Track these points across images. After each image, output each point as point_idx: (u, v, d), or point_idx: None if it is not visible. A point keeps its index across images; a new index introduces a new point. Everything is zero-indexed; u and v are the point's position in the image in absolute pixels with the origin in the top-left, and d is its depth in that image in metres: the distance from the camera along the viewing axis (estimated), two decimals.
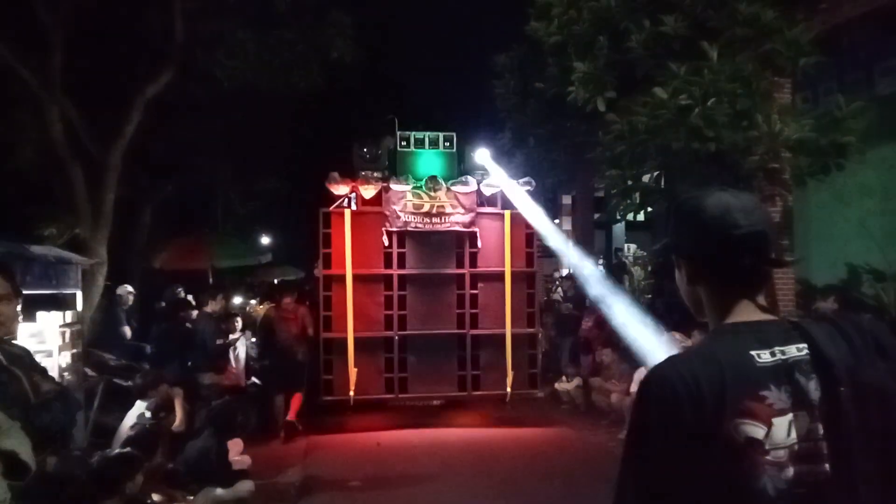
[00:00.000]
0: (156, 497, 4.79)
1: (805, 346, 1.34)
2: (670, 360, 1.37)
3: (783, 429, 1.29)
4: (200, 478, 5.31)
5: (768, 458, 1.27)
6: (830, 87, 8.96)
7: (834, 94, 7.69)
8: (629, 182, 8.22)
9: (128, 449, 4.47)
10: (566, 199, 16.77)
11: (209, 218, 16.75)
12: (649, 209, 9.16)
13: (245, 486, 5.57)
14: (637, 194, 8.34)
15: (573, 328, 10.51)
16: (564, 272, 15.10)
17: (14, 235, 6.11)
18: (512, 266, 8.87)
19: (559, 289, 12.14)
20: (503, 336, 8.80)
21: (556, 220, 17.66)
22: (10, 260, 4.47)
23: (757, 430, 1.27)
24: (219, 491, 5.32)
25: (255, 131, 13.75)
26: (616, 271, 14.78)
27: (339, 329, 8.49)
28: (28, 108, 9.50)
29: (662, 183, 9.15)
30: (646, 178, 8.70)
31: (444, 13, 15.89)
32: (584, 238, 13.81)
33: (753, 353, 1.33)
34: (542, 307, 12.60)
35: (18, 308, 2.70)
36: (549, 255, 14.44)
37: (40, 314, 5.60)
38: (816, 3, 7.95)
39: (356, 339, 8.50)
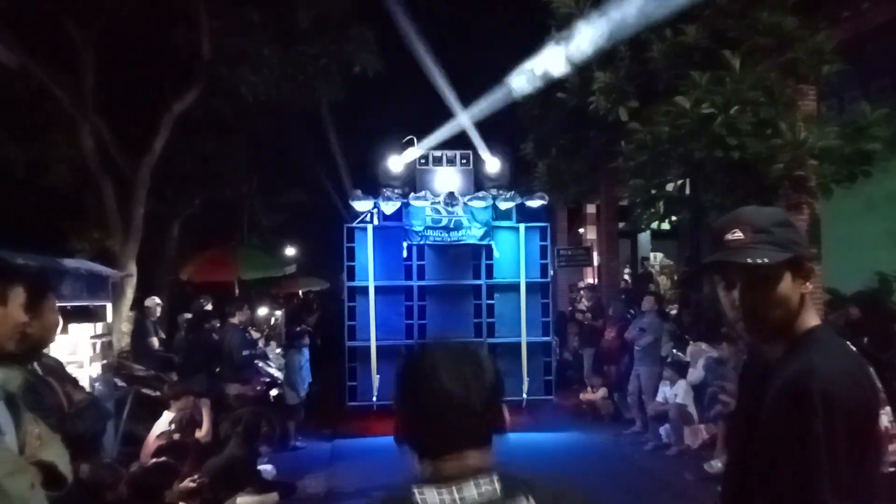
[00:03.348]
0: None
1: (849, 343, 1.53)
2: (839, 365, 1.45)
3: (891, 414, 1.47)
4: (226, 486, 5.38)
5: (893, 442, 1.46)
6: (856, 95, 8.83)
7: (859, 102, 7.58)
8: (652, 191, 8.19)
9: (164, 458, 4.56)
10: (590, 209, 16.70)
11: (235, 230, 17.00)
12: (674, 218, 9.09)
13: (270, 496, 5.64)
14: (661, 203, 8.31)
15: (596, 338, 10.47)
16: (587, 282, 15.04)
17: (48, 249, 6.28)
18: (527, 277, 9.09)
19: (583, 299, 12.09)
20: (519, 344, 8.96)
21: (581, 230, 17.62)
22: (45, 273, 4.60)
23: (888, 417, 1.45)
24: (245, 499, 5.39)
25: (280, 145, 13.94)
26: (642, 281, 14.69)
27: (363, 337, 8.79)
28: (61, 126, 9.78)
29: (687, 191, 9.10)
30: (670, 186, 8.65)
31: (466, 24, 16.01)
32: (608, 247, 13.74)
33: (854, 349, 1.51)
34: (566, 317, 12.57)
35: (54, 321, 2.78)
36: (572, 264, 14.42)
37: (72, 326, 5.75)
38: (839, 11, 7.88)
39: (378, 347, 8.75)
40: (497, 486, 1.21)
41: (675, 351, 8.66)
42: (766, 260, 1.49)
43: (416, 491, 1.20)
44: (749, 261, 1.51)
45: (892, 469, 1.44)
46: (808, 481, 1.39)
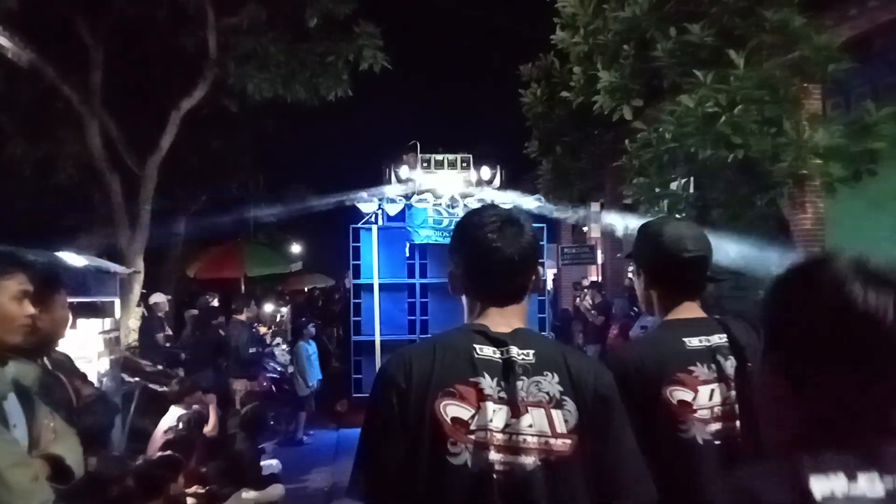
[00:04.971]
0: (190, 501, 4.93)
1: (725, 335, 1.80)
2: (626, 346, 1.95)
3: (706, 394, 1.74)
4: (233, 481, 5.44)
5: (696, 415, 1.72)
6: (862, 93, 8.80)
7: (865, 100, 7.55)
8: (657, 190, 8.19)
9: (169, 452, 4.61)
10: (594, 207, 16.70)
11: (241, 227, 17.05)
12: (678, 217, 9.07)
13: (276, 490, 5.69)
14: (665, 202, 8.30)
15: (600, 336, 10.48)
16: (591, 279, 15.04)
17: (56, 246, 6.33)
18: None
19: (587, 297, 12.09)
20: None
21: (585, 228, 17.62)
22: (54, 268, 4.65)
23: (686, 395, 1.73)
24: (251, 493, 5.45)
25: (286, 142, 13.99)
26: None
27: (368, 332, 8.94)
28: (69, 124, 9.85)
29: (691, 190, 9.08)
30: (674, 185, 8.63)
31: (471, 25, 16.03)
32: (612, 245, 13.74)
33: (685, 339, 1.80)
34: (571, 315, 12.58)
35: (64, 316, 2.82)
36: (577, 262, 14.43)
37: (81, 321, 5.79)
38: (846, 8, 7.85)
39: (382, 342, 8.93)
40: (533, 359, 1.46)
41: None
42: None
43: (476, 347, 1.48)
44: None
45: (709, 438, 1.70)
46: None
